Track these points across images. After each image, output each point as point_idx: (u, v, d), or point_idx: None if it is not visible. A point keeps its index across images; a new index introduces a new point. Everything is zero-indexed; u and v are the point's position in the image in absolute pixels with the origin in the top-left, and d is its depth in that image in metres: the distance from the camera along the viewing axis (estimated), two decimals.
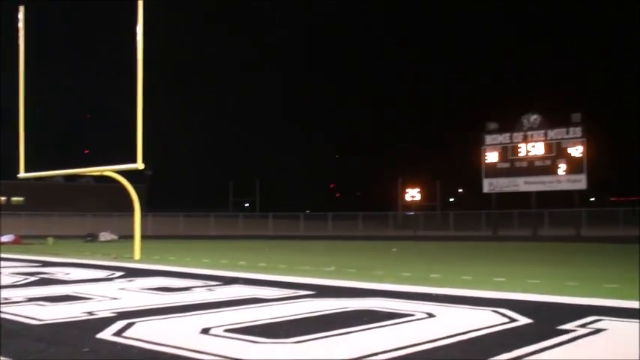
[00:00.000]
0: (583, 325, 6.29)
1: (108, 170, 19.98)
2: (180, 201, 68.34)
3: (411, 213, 49.62)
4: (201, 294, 9.40)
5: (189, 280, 11.65)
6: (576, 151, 34.50)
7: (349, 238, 37.60)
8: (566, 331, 5.98)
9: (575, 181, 34.81)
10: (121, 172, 20.03)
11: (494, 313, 7.19)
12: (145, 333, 6.04)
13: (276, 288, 10.07)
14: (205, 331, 6.13)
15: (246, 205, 75.81)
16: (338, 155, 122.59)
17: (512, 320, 6.71)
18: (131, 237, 20.38)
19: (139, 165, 17.90)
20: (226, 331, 6.12)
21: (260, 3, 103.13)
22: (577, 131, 34.70)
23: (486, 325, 6.38)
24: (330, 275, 12.63)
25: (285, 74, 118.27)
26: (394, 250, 24.22)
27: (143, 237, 20.90)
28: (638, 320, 6.67)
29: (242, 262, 16.80)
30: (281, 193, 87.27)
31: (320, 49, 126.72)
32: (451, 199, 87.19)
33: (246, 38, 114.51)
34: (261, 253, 21.75)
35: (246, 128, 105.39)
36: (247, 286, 10.54)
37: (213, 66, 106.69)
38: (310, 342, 5.58)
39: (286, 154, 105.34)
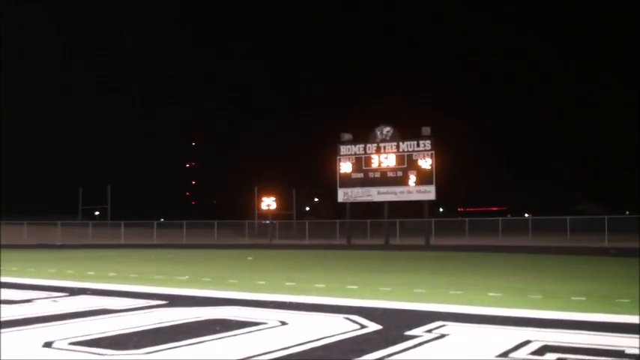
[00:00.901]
0: (429, 331, 6.57)
1: None
2: (24, 208, 64.82)
3: (267, 221, 49.87)
4: (44, 306, 8.98)
5: (32, 291, 11.09)
6: (426, 163, 35.94)
7: (204, 247, 37.20)
8: (413, 337, 6.22)
9: (424, 192, 36.26)
10: None
11: (346, 320, 7.36)
12: None
13: (127, 298, 9.81)
14: (48, 344, 5.86)
15: (97, 213, 73.25)
16: (193, 162, 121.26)
17: (363, 327, 6.89)
18: None
19: None
20: (71, 344, 5.88)
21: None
22: (427, 144, 36.16)
23: (338, 332, 6.51)
24: (183, 284, 12.47)
25: (139, 74, 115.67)
26: (250, 258, 24.22)
27: None
28: (478, 325, 7.06)
29: (91, 273, 16.21)
30: (134, 200, 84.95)
31: (167, 50, 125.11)
32: (307, 208, 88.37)
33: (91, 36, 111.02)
34: (112, 262, 21.04)
35: (98, 130, 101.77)
36: (96, 296, 10.19)
37: (56, 59, 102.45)
38: (160, 352, 5.47)
39: (140, 160, 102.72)
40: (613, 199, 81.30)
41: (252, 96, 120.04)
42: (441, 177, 37.15)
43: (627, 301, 9.18)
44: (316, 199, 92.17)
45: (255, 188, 55.66)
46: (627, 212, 57.85)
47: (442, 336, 6.29)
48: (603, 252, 25.24)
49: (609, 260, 21.35)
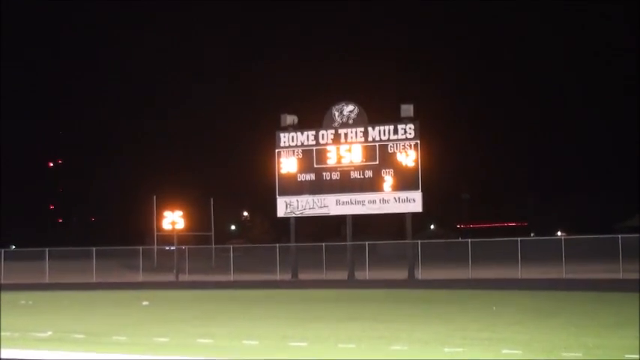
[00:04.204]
0: None
1: None
2: None
3: (172, 247, 49.43)
4: None
5: None
6: (407, 158, 35.83)
7: (77, 287, 36.75)
8: None
9: (406, 200, 36.22)
10: None
11: None
12: None
13: None
14: None
15: None
16: (60, 160, 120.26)
17: None
18: None
19: None
20: None
21: None
22: (409, 130, 35.99)
23: None
24: (44, 344, 12.37)
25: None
26: (145, 303, 24.10)
27: None
28: None
29: None
30: None
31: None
32: (232, 227, 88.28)
33: None
34: None
35: None
36: None
37: None
38: None
39: None
40: None
41: (151, 63, 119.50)
42: (430, 179, 37.31)
43: None
44: (246, 214, 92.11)
45: (154, 198, 55.26)
46: None
47: None
48: None
49: None
